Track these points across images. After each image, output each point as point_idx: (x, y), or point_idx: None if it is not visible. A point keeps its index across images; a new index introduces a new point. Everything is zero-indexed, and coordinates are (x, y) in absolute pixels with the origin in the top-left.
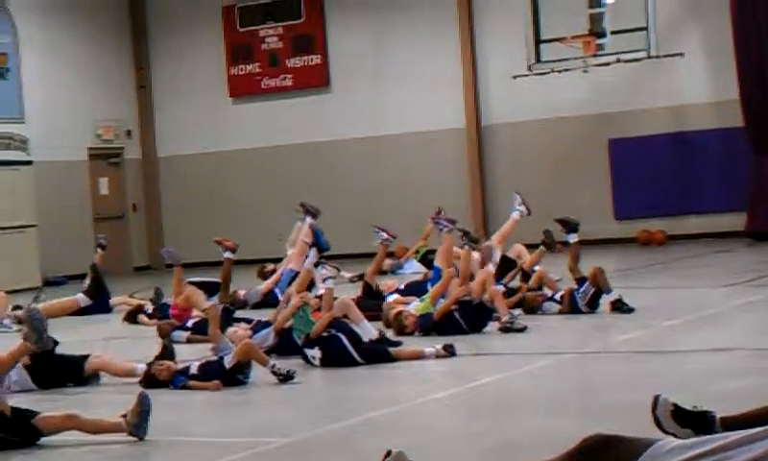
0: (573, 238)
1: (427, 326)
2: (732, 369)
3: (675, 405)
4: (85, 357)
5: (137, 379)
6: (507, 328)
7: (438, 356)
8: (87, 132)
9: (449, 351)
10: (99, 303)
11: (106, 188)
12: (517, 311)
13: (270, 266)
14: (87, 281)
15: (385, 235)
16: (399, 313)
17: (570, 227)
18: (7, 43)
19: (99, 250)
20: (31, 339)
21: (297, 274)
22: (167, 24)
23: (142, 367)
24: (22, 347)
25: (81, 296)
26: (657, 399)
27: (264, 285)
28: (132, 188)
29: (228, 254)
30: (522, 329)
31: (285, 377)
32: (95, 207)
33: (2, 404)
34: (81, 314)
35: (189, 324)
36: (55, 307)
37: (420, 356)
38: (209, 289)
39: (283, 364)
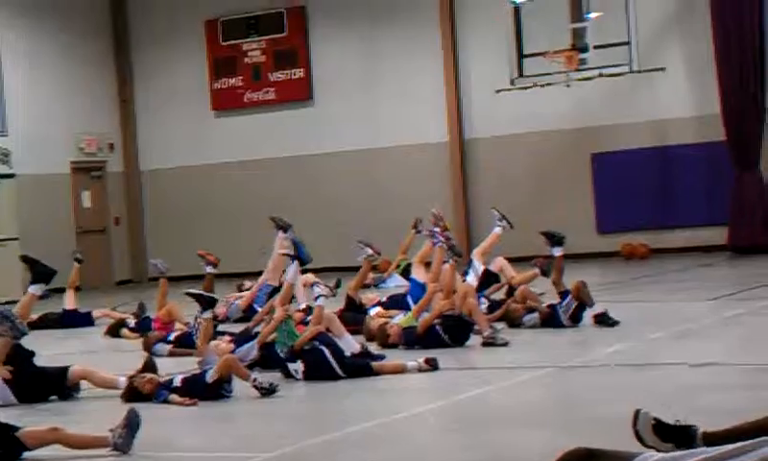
0: (558, 252)
1: (410, 339)
2: (716, 383)
3: (656, 420)
4: (67, 368)
5: (119, 392)
6: (489, 343)
7: (420, 370)
8: (70, 145)
9: (432, 365)
10: (80, 315)
11: (88, 201)
12: (501, 325)
13: (248, 284)
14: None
15: (370, 251)
16: (384, 324)
17: (555, 240)
18: None
19: (75, 263)
20: (4, 331)
21: (274, 288)
22: (150, 37)
23: (123, 380)
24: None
25: (31, 287)
26: (637, 413)
27: (242, 300)
28: (114, 202)
29: (210, 269)
30: (505, 344)
31: (267, 391)
32: (78, 221)
33: None
34: (62, 327)
35: (171, 337)
36: (18, 311)
37: (402, 370)
38: (206, 302)
39: (266, 377)
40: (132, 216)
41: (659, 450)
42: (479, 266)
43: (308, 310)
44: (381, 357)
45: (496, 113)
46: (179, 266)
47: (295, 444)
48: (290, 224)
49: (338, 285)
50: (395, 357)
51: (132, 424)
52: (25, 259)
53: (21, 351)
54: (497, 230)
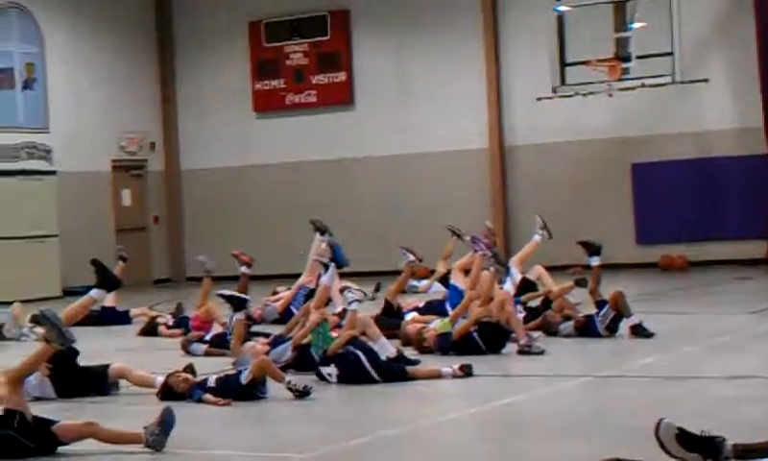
0: (595, 261)
1: (446, 345)
2: (752, 396)
3: (680, 429)
4: (107, 366)
5: (154, 391)
6: (525, 351)
7: (455, 376)
8: (111, 143)
9: (466, 372)
10: (118, 313)
11: (128, 200)
12: (537, 334)
13: (282, 289)
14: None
15: (412, 257)
16: (420, 329)
17: (593, 250)
18: (34, 54)
19: (120, 262)
20: (51, 338)
21: (311, 290)
22: (193, 38)
23: (160, 379)
24: (44, 349)
25: (94, 291)
26: (659, 423)
27: (279, 303)
28: (154, 200)
29: (244, 269)
30: (541, 352)
31: (301, 393)
32: (117, 219)
33: (24, 409)
34: (100, 324)
35: (208, 337)
36: (72, 310)
37: (437, 376)
38: (237, 303)
39: (300, 380)
40: (172, 215)
41: None
42: (517, 274)
43: (343, 314)
44: (416, 362)
45: (537, 121)
46: (216, 266)
47: (327, 446)
48: (328, 227)
49: (378, 289)
50: (430, 363)
51: (166, 423)
52: (95, 263)
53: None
54: (537, 237)
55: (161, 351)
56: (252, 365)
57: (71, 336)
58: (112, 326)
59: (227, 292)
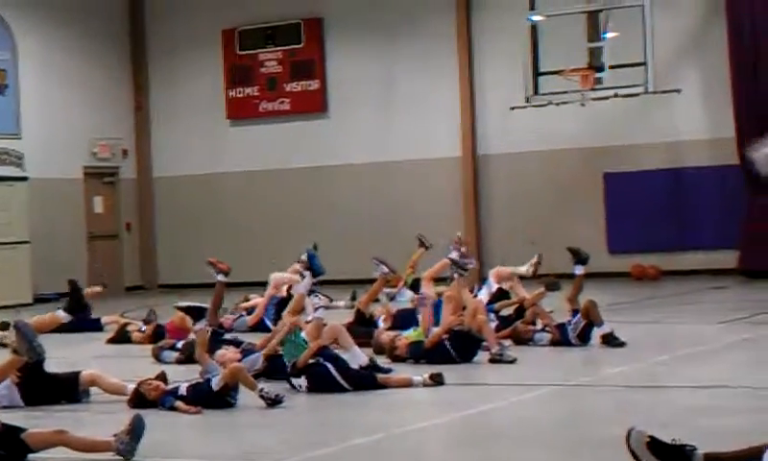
0: (579, 270)
1: (418, 353)
2: (723, 406)
3: (651, 437)
4: (78, 373)
5: (126, 398)
6: (496, 360)
7: (425, 385)
8: (83, 150)
9: (437, 381)
10: (89, 320)
11: (100, 207)
12: (508, 342)
13: (253, 296)
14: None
15: (385, 269)
16: (393, 337)
17: (580, 258)
18: (6, 60)
19: (96, 288)
20: (21, 349)
21: (280, 300)
22: (166, 45)
23: (131, 387)
24: (13, 359)
25: (61, 312)
26: (631, 431)
27: (251, 317)
28: (126, 208)
29: (220, 277)
30: (512, 361)
31: (274, 402)
32: (89, 226)
33: None
34: (70, 331)
35: (179, 345)
36: (39, 323)
37: (407, 384)
38: (196, 314)
39: (272, 388)
40: (144, 223)
41: None
42: (493, 284)
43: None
44: (389, 370)
45: (511, 130)
46: (189, 274)
47: (298, 454)
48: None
49: (353, 297)
50: (402, 371)
51: (136, 430)
52: (71, 285)
53: None
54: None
55: (133, 359)
56: (224, 371)
57: (41, 350)
58: (83, 332)
59: (183, 303)
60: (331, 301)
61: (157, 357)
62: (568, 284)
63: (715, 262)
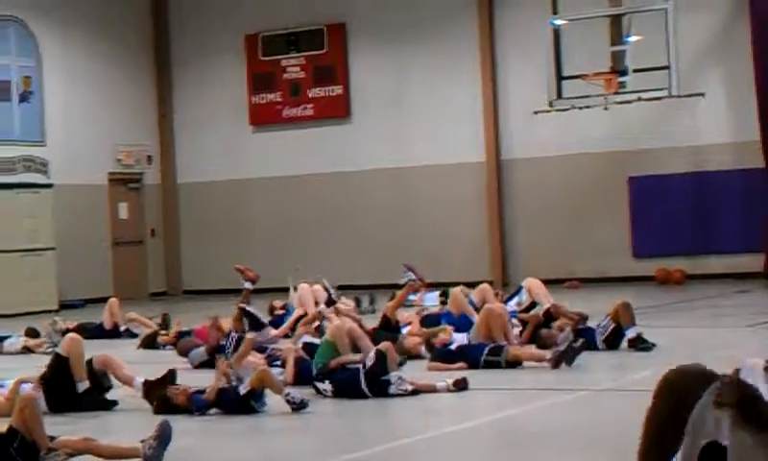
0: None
1: (441, 357)
2: None
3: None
4: (90, 361)
5: (133, 392)
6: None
7: (449, 390)
8: (108, 156)
9: (461, 387)
10: (108, 332)
11: (125, 213)
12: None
13: (279, 303)
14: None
15: (413, 276)
16: (418, 344)
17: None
18: (31, 67)
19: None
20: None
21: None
22: (190, 51)
23: (139, 381)
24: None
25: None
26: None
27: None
28: (150, 214)
29: (248, 285)
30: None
31: (299, 406)
32: (114, 232)
33: (29, 431)
34: (95, 338)
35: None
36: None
37: (431, 390)
38: (254, 324)
39: (298, 393)
40: (168, 229)
41: None
42: (526, 296)
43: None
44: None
45: (534, 135)
46: (213, 280)
47: (326, 460)
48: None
49: (372, 302)
50: (428, 376)
51: (163, 437)
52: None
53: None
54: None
55: (161, 365)
56: (252, 376)
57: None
58: (107, 339)
59: (250, 309)
60: (359, 305)
61: (185, 354)
62: (591, 289)
63: (740, 266)
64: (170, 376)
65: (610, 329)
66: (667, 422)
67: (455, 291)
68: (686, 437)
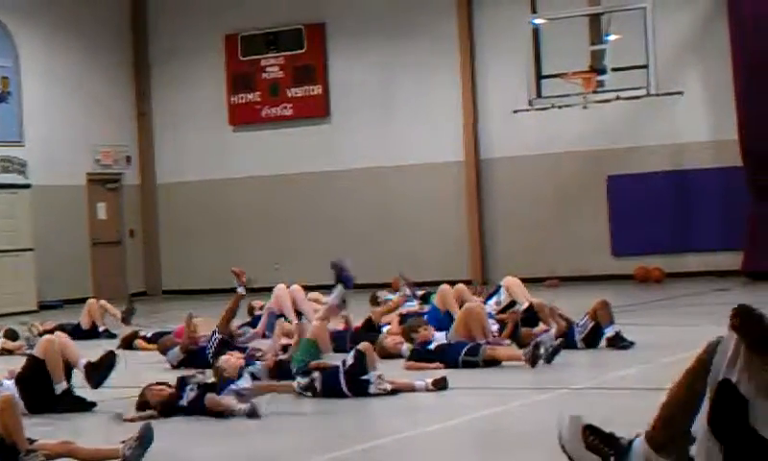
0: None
1: (420, 358)
2: None
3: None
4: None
5: (131, 404)
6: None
7: (428, 390)
8: (86, 157)
9: (440, 386)
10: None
11: (104, 213)
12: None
13: (259, 303)
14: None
15: (408, 292)
16: (398, 343)
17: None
18: (9, 67)
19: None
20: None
21: (279, 315)
22: (169, 51)
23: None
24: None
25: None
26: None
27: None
28: (129, 214)
29: (240, 290)
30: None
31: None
32: (92, 232)
33: (9, 434)
34: (73, 338)
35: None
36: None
37: (410, 389)
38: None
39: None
40: (147, 229)
41: None
42: (505, 296)
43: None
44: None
45: (513, 134)
46: (192, 280)
47: (306, 460)
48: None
49: (343, 301)
50: (407, 375)
51: (144, 438)
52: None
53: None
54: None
55: (140, 365)
56: (206, 401)
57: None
58: (85, 340)
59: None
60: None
61: (163, 352)
62: (571, 287)
63: (719, 264)
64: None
65: (588, 328)
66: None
67: (443, 287)
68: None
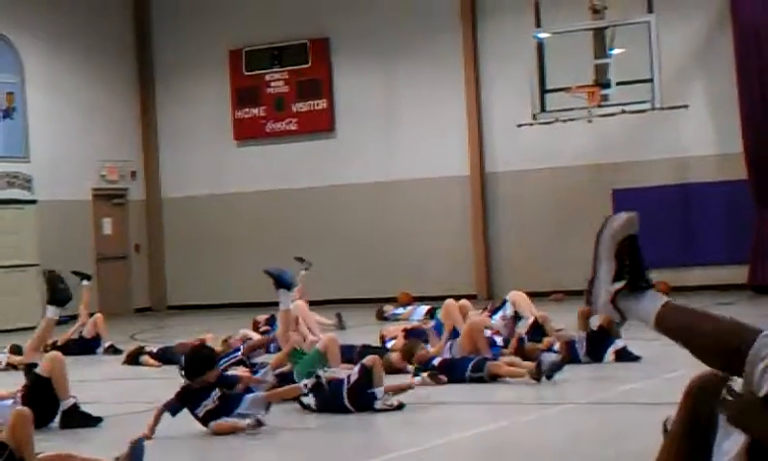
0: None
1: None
2: None
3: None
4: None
5: (136, 417)
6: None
7: (425, 384)
8: (92, 172)
9: (438, 380)
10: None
11: (109, 228)
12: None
13: (262, 318)
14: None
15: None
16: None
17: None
18: (14, 83)
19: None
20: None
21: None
22: (174, 66)
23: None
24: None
25: (49, 310)
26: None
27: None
28: (135, 229)
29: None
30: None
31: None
32: (98, 247)
33: (17, 446)
34: (73, 354)
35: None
36: (37, 340)
37: (407, 387)
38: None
39: (281, 408)
40: (153, 244)
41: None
42: (510, 309)
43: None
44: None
45: (518, 148)
46: (198, 295)
47: None
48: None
49: (340, 319)
50: (413, 390)
51: (135, 454)
52: (47, 277)
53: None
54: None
55: (146, 381)
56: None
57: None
58: (90, 355)
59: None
60: (341, 321)
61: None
62: (576, 301)
63: (724, 278)
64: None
65: (585, 342)
66: (691, 422)
67: (449, 302)
68: (747, 365)
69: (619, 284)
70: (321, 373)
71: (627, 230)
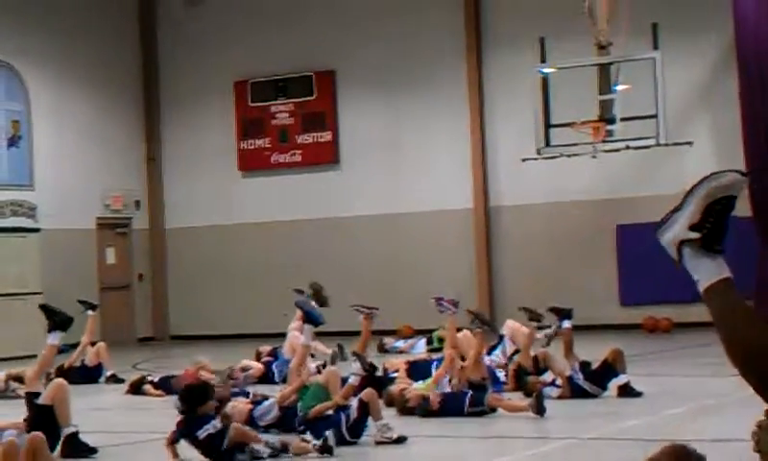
0: (567, 325)
1: (425, 410)
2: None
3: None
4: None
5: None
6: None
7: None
8: (96, 201)
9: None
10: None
11: (112, 258)
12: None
13: (265, 349)
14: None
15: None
16: (403, 389)
17: (563, 314)
18: (20, 111)
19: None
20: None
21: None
22: (179, 97)
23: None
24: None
25: (51, 336)
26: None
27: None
28: (138, 259)
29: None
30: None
31: (280, 451)
32: (101, 277)
33: None
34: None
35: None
36: (40, 366)
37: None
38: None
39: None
40: (156, 274)
41: None
42: (509, 346)
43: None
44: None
45: (522, 182)
46: (200, 325)
47: None
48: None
49: (341, 350)
50: (414, 424)
51: None
52: (43, 309)
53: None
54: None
55: (148, 411)
56: (230, 430)
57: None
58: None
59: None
60: (342, 352)
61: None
62: (579, 336)
63: None
64: None
65: (579, 373)
66: None
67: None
68: None
69: (694, 235)
70: (329, 434)
71: (728, 190)
